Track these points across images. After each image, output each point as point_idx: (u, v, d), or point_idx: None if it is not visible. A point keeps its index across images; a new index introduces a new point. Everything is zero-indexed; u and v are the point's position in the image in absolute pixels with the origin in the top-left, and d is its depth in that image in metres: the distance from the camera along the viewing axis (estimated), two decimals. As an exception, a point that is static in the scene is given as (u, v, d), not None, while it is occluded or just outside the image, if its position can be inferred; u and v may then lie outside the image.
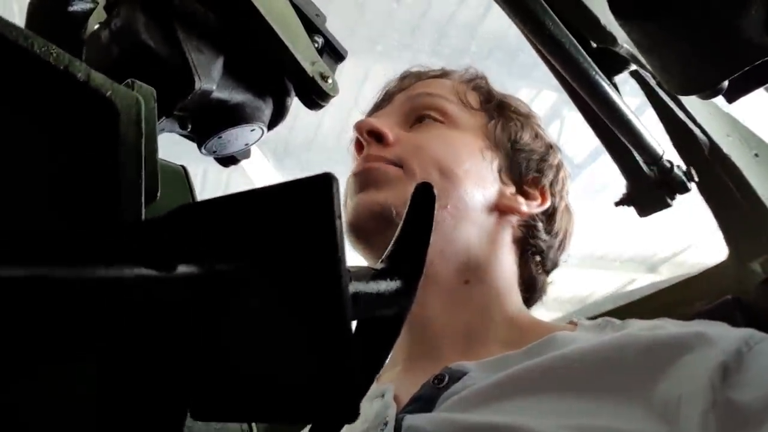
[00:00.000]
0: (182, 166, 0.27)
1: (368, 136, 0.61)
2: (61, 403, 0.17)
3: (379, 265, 0.23)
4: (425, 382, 0.51)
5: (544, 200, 0.65)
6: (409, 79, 0.69)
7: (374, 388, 0.55)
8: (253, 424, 0.26)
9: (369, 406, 0.53)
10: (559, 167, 0.68)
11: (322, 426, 0.19)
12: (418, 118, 0.64)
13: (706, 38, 0.26)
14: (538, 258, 0.65)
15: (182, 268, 0.15)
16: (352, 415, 0.16)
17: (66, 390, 0.17)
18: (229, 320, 0.16)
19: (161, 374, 0.17)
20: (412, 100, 0.65)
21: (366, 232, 0.58)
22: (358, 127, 0.62)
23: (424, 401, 0.49)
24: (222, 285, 0.16)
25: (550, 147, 0.68)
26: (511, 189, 0.63)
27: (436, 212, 0.59)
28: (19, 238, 0.18)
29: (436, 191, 0.63)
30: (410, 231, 0.24)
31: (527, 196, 0.64)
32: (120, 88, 0.21)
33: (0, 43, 0.18)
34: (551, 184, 0.66)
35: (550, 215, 0.66)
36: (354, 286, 0.20)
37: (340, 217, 0.16)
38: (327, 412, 0.16)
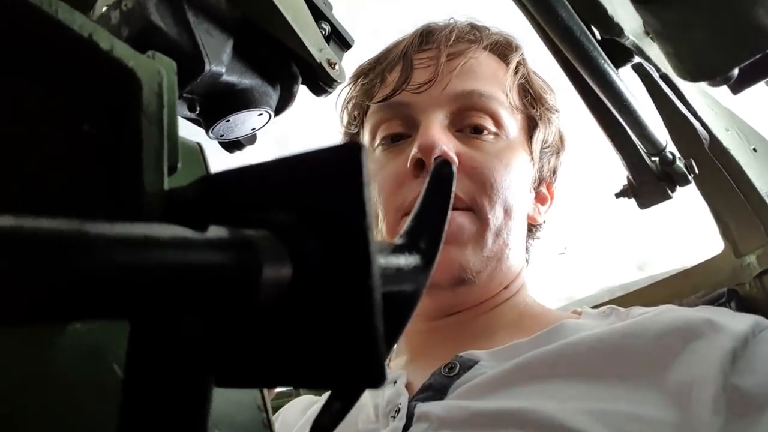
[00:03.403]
0: (198, 143, 0.27)
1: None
2: (89, 364, 0.17)
3: (398, 241, 0.23)
4: (435, 370, 0.51)
5: (552, 199, 0.66)
6: (455, 44, 0.62)
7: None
8: (267, 401, 0.26)
9: (380, 393, 0.53)
10: (562, 159, 0.68)
11: (344, 391, 0.19)
12: (473, 127, 0.59)
13: (720, 25, 0.27)
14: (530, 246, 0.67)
15: (213, 231, 0.15)
16: (378, 381, 0.16)
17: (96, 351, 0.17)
18: (256, 286, 0.16)
19: (191, 340, 0.17)
20: (465, 99, 0.59)
21: (435, 285, 0.56)
22: (427, 148, 0.55)
23: (435, 390, 0.49)
24: (252, 250, 0.16)
25: (561, 140, 0.68)
26: (532, 196, 0.64)
27: (498, 248, 0.60)
28: (47, 199, 0.18)
29: (498, 228, 0.63)
30: (429, 207, 0.24)
31: (542, 201, 0.66)
32: (143, 59, 0.21)
33: (24, 8, 0.18)
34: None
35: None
36: (375, 259, 0.20)
37: (369, 184, 0.16)
38: (353, 377, 0.16)
